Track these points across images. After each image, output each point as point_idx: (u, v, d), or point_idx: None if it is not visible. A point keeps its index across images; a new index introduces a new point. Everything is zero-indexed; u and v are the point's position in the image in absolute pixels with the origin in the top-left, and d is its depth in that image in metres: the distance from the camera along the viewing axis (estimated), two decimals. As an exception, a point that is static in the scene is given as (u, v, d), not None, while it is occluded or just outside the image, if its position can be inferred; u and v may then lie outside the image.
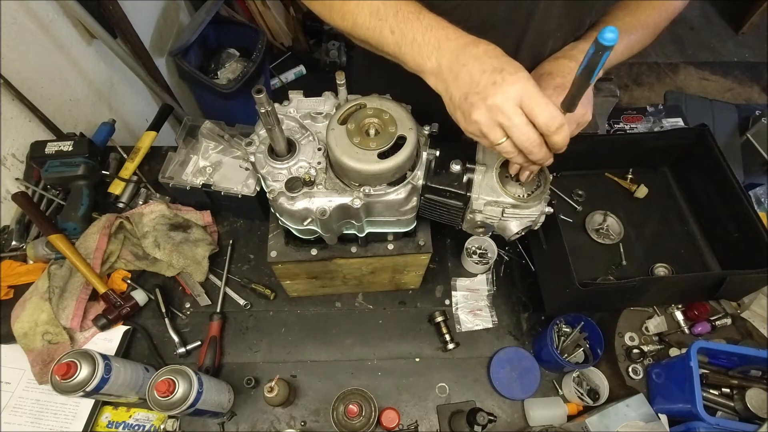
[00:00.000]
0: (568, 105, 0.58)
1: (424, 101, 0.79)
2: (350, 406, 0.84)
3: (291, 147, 0.74)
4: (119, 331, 1.02)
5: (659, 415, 0.91)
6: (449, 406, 0.99)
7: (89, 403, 0.94)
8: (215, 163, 1.14)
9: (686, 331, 1.01)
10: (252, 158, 0.75)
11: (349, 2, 0.66)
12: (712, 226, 1.14)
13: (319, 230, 0.78)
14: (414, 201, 0.76)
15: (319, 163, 0.74)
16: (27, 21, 1.23)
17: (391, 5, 0.63)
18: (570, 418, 0.96)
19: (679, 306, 1.03)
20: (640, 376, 0.96)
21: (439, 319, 1.05)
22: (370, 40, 0.66)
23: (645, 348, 0.98)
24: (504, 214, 0.73)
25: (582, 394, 0.97)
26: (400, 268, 0.96)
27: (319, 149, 0.75)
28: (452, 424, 0.96)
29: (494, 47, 0.60)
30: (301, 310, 1.10)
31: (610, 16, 0.82)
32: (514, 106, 0.56)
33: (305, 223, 0.74)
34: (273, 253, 0.86)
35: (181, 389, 0.78)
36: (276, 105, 0.73)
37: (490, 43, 0.60)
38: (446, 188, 0.74)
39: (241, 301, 1.09)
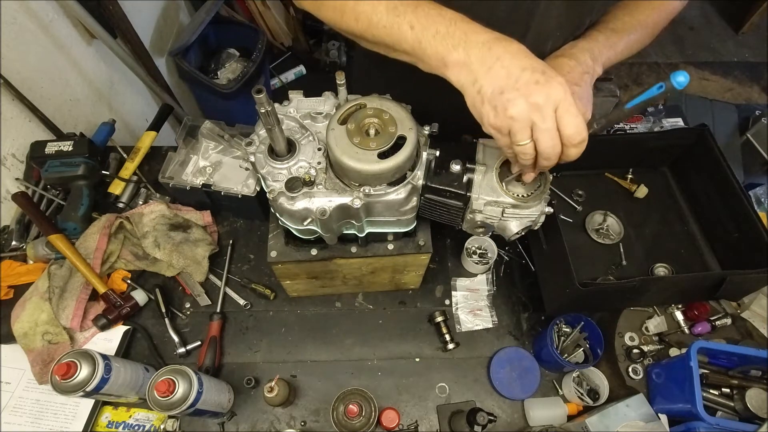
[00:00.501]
0: (601, 128, 0.58)
1: (424, 101, 0.79)
2: (350, 406, 0.84)
3: (291, 147, 0.74)
4: (119, 331, 1.02)
5: (659, 415, 0.91)
6: (449, 406, 0.99)
7: (89, 403, 0.94)
8: (215, 163, 1.14)
9: (686, 331, 1.01)
10: (252, 158, 0.75)
11: (363, 3, 0.65)
12: (712, 226, 1.14)
13: (319, 230, 0.78)
14: (414, 201, 0.76)
15: (319, 163, 0.74)
16: (27, 21, 1.23)
17: (409, 3, 0.62)
18: (570, 418, 0.96)
19: (679, 306, 1.03)
20: (640, 376, 0.96)
21: (439, 319, 1.05)
22: (387, 38, 0.65)
23: (645, 348, 0.98)
24: (504, 214, 0.74)
25: (582, 394, 0.97)
26: (400, 268, 0.96)
27: (319, 149, 0.75)
28: (452, 424, 0.96)
29: (526, 48, 0.59)
30: (301, 310, 1.10)
31: (610, 16, 0.82)
32: (552, 110, 0.55)
33: (305, 223, 0.74)
34: (273, 253, 0.86)
35: (181, 389, 0.78)
36: (276, 105, 0.73)
37: (518, 42, 0.59)
38: (446, 188, 0.74)
39: (241, 301, 1.09)
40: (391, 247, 0.87)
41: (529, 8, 0.76)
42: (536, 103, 0.55)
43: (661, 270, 1.10)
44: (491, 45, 0.58)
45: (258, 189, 1.06)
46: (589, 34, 0.79)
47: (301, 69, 2.81)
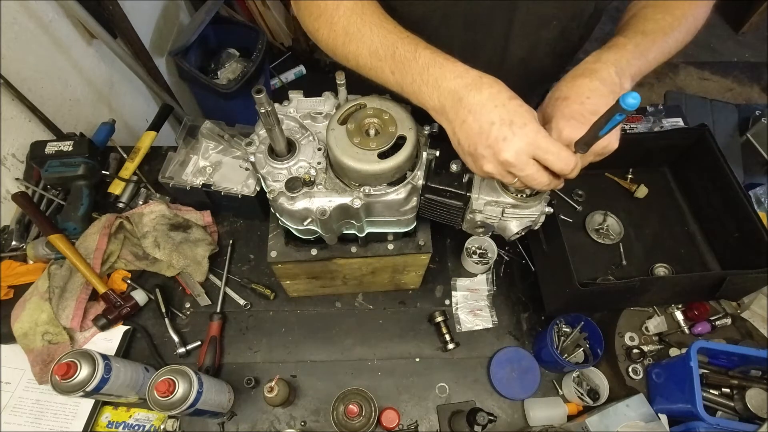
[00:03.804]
0: (582, 147, 0.58)
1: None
2: (350, 406, 0.84)
3: (291, 147, 0.74)
4: (119, 331, 1.02)
5: (659, 415, 0.91)
6: (449, 406, 0.99)
7: (89, 403, 0.94)
8: (215, 163, 1.14)
9: (686, 331, 1.01)
10: (252, 158, 0.75)
11: (350, 44, 0.67)
12: (712, 226, 1.14)
13: (319, 230, 0.78)
14: (414, 201, 0.76)
15: (319, 163, 0.74)
16: (27, 21, 1.23)
17: (388, 45, 0.63)
18: (570, 418, 0.96)
19: (679, 306, 1.03)
20: (640, 376, 0.96)
21: (439, 319, 1.05)
22: (375, 78, 0.67)
23: (645, 348, 0.98)
24: (504, 214, 0.73)
25: (582, 394, 0.97)
26: (400, 268, 0.96)
27: (319, 149, 0.75)
28: (452, 424, 0.96)
29: (498, 88, 0.58)
30: (301, 310, 1.10)
31: (640, 17, 0.74)
32: (527, 159, 0.57)
33: (305, 223, 0.74)
34: (273, 253, 0.86)
35: (181, 389, 0.78)
36: (276, 105, 0.73)
37: (494, 82, 0.58)
38: (446, 188, 0.74)
39: (241, 301, 1.09)
40: (391, 247, 0.87)
41: (510, 2, 0.75)
42: (506, 160, 0.56)
43: (661, 270, 1.10)
44: (462, 95, 0.58)
45: (258, 189, 1.06)
46: (617, 42, 0.69)
47: (301, 69, 2.81)
